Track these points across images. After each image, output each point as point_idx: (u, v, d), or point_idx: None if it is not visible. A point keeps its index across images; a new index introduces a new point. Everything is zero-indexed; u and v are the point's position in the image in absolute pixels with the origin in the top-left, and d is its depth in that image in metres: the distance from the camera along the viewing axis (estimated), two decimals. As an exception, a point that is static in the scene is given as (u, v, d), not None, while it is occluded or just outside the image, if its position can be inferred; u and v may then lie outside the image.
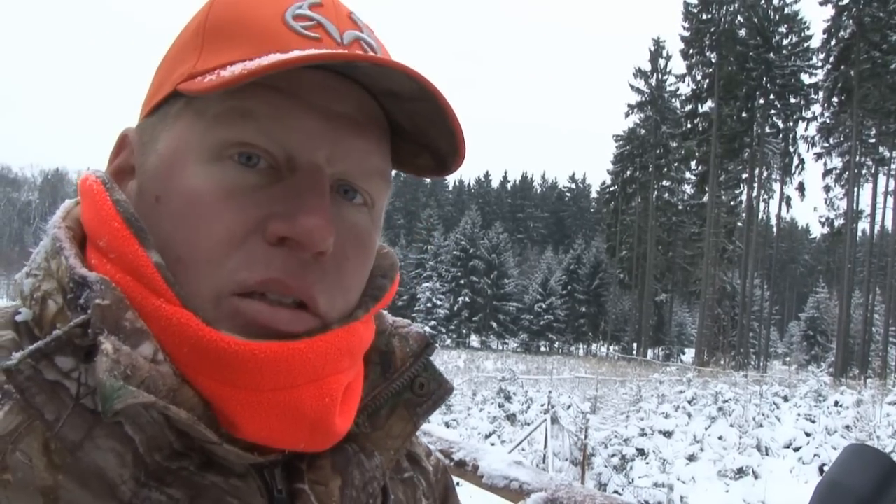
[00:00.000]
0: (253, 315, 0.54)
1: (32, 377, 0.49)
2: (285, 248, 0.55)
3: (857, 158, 54.54)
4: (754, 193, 63.95)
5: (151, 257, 0.54)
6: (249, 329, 0.54)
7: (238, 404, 0.52)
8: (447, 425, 13.18)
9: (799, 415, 15.71)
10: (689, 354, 69.19)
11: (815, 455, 11.61)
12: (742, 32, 62.37)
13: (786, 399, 18.83)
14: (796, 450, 12.61)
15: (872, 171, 56.98)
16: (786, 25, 61.74)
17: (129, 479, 0.50)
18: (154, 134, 0.59)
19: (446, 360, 36.27)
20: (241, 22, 0.58)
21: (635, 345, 71.79)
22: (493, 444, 11.53)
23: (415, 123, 0.62)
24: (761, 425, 14.25)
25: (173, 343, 0.52)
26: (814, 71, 60.88)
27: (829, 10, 54.73)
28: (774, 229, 73.83)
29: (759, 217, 66.46)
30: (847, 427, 13.62)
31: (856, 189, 55.06)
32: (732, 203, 66.26)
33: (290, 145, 0.56)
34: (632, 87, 71.86)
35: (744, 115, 62.71)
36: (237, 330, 0.53)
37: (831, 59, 56.10)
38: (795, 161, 62.93)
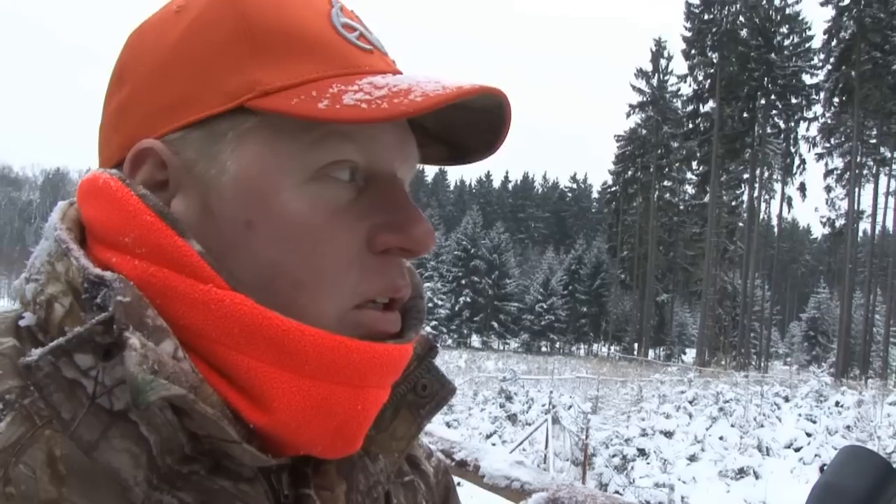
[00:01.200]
0: (373, 324, 0.56)
1: (51, 374, 0.49)
2: (388, 255, 0.56)
3: (858, 159, 54.56)
4: (755, 194, 63.98)
5: (193, 246, 0.53)
6: (371, 337, 0.55)
7: (279, 386, 0.53)
8: (448, 425, 13.18)
9: (800, 415, 15.74)
10: (690, 355, 69.23)
11: (815, 455, 11.63)
12: (743, 33, 62.38)
13: (787, 399, 18.85)
14: (797, 450, 12.64)
15: (873, 171, 57.06)
16: (787, 26, 61.78)
17: (142, 480, 0.50)
18: (208, 152, 0.55)
19: (447, 360, 36.17)
20: (291, 31, 0.56)
21: (636, 345, 71.79)
22: (494, 444, 11.53)
23: (441, 121, 0.62)
24: (762, 425, 14.26)
25: (222, 325, 0.52)
26: (815, 71, 60.96)
27: (830, 11, 54.83)
28: (775, 229, 73.97)
29: (761, 217, 66.49)
30: (848, 427, 13.63)
31: (857, 189, 55.10)
32: (734, 203, 66.28)
33: (377, 159, 0.57)
34: (633, 87, 71.84)
35: (745, 115, 62.72)
36: (360, 339, 0.55)
37: (832, 59, 56.15)
38: (796, 161, 62.99)
